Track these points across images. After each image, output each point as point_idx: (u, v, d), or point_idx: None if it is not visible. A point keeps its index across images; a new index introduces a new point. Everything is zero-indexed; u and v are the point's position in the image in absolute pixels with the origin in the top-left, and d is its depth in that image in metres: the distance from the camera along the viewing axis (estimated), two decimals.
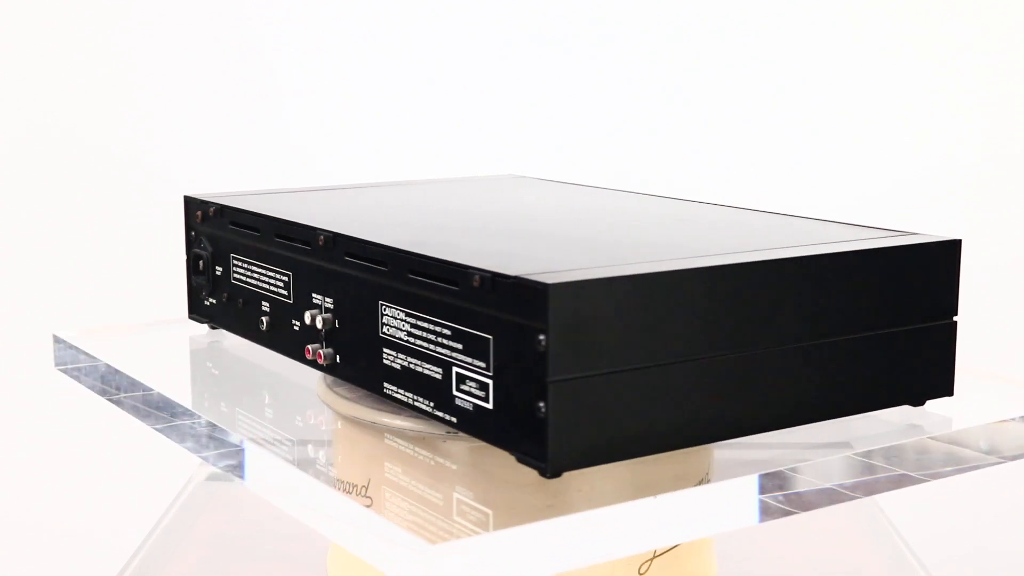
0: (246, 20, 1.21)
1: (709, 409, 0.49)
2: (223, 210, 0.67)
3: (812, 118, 1.20)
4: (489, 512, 0.49)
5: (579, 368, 0.45)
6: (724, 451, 0.55)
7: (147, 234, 1.22)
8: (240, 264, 0.65)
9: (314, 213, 0.63)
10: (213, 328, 0.69)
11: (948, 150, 1.20)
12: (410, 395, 0.52)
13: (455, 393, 0.49)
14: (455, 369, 0.49)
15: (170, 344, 0.75)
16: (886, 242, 0.53)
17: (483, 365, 0.47)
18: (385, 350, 0.53)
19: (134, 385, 0.65)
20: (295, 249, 0.60)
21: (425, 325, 0.50)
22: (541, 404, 0.45)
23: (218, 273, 0.67)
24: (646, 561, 0.55)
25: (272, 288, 0.62)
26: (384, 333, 0.53)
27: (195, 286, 0.70)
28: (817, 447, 0.53)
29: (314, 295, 0.58)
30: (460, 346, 0.49)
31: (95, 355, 0.69)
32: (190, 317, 0.71)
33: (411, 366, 0.52)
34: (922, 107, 1.20)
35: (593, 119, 1.21)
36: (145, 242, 1.22)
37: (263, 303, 0.63)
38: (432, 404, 0.51)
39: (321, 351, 0.57)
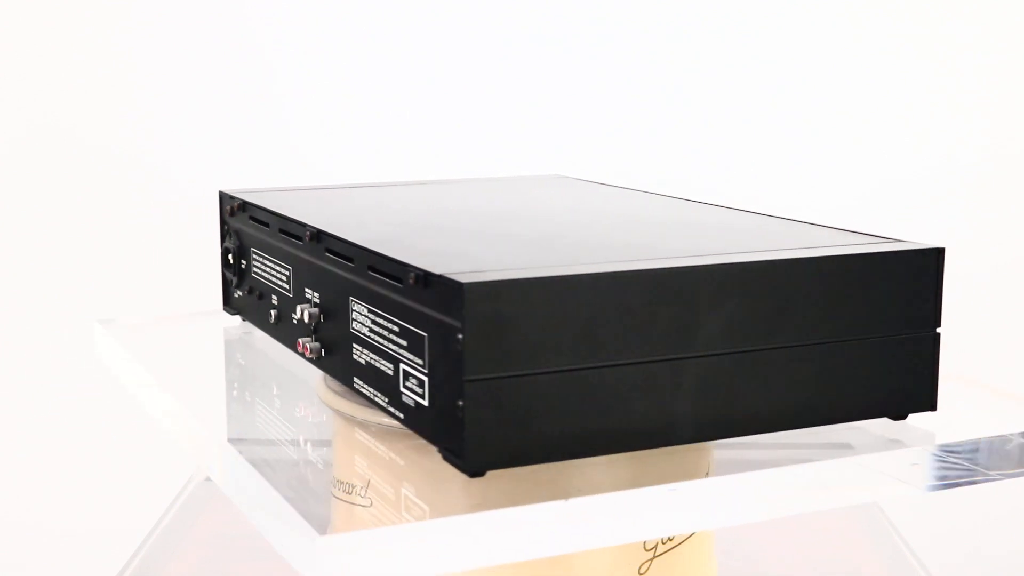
0: (246, 20, 1.21)
1: (643, 413, 0.47)
2: (244, 205, 0.67)
3: (812, 118, 1.20)
4: (426, 508, 0.49)
5: (499, 368, 0.45)
6: (724, 452, 0.55)
7: (147, 234, 1.22)
8: (256, 258, 0.66)
9: (315, 210, 0.63)
10: (244, 320, 0.70)
11: (948, 150, 1.20)
12: (372, 390, 0.52)
13: (401, 389, 0.49)
14: (401, 366, 0.49)
15: (201, 336, 0.76)
16: (857, 248, 0.52)
17: (420, 362, 0.47)
18: (354, 345, 0.53)
19: (146, 379, 0.65)
20: (292, 244, 0.61)
21: (381, 322, 0.51)
22: (460, 402, 0.44)
23: (243, 267, 0.68)
24: (646, 561, 0.55)
25: (278, 282, 0.63)
26: (353, 329, 0.53)
27: (227, 279, 0.71)
28: (817, 447, 0.53)
29: (306, 290, 0.59)
30: (405, 343, 0.49)
31: (131, 346, 0.70)
32: (224, 309, 0.72)
33: (371, 362, 0.52)
34: (922, 107, 1.20)
35: (593, 119, 1.21)
36: (144, 242, 1.22)
37: (273, 297, 0.64)
38: (386, 400, 0.51)
39: (308, 345, 0.57)
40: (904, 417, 0.53)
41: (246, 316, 0.69)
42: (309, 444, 0.58)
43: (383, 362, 0.50)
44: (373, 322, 0.51)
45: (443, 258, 0.49)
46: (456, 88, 1.21)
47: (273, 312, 0.64)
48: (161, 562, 0.80)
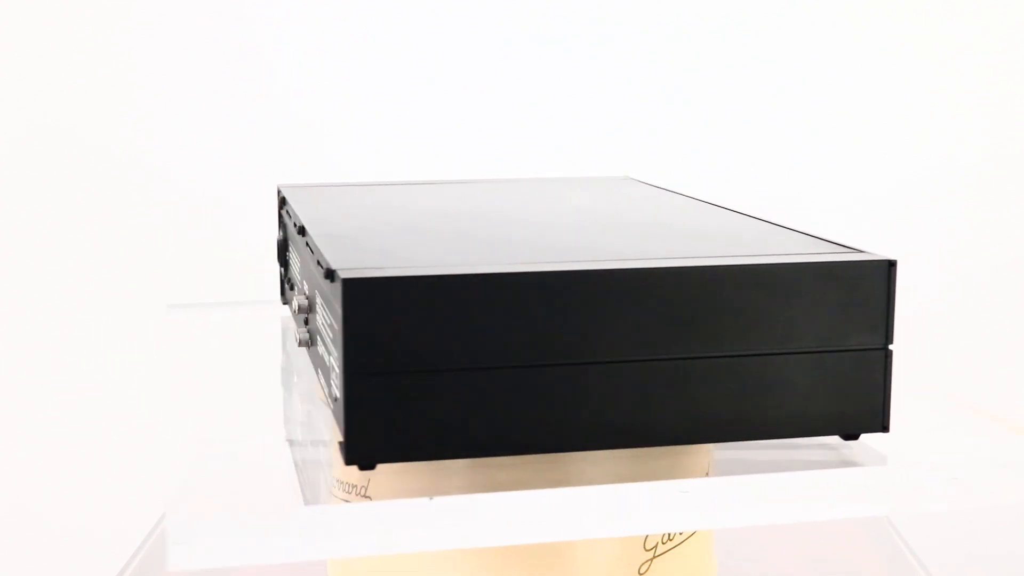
0: (247, 21, 1.21)
1: (540, 417, 0.47)
2: (284, 200, 0.69)
3: (812, 118, 1.20)
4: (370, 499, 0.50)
5: (382, 364, 0.45)
6: (724, 452, 0.55)
7: (147, 234, 1.22)
8: (290, 251, 0.67)
9: (324, 205, 0.64)
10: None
11: (948, 150, 1.20)
12: (323, 382, 0.52)
13: (331, 381, 0.49)
14: (331, 358, 0.49)
15: (254, 326, 0.76)
16: (799, 258, 0.49)
17: (336, 356, 0.47)
18: (318, 337, 0.54)
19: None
20: (295, 237, 0.62)
21: (326, 314, 0.51)
22: (345, 396, 0.45)
23: (287, 259, 0.69)
24: (646, 561, 0.55)
25: (296, 274, 0.64)
26: (318, 322, 0.54)
27: (280, 271, 0.72)
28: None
29: (303, 281, 0.60)
30: (331, 336, 0.49)
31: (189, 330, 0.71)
32: (281, 300, 0.73)
33: (321, 354, 0.52)
34: (922, 107, 1.20)
35: (592, 119, 1.21)
36: (145, 243, 1.22)
37: (294, 289, 0.65)
38: (328, 392, 0.51)
39: (299, 335, 0.58)
40: (856, 437, 0.51)
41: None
42: (309, 443, 0.58)
43: (327, 355, 0.51)
44: (323, 315, 0.52)
45: (357, 255, 0.49)
46: (457, 88, 1.21)
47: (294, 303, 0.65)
48: (161, 562, 0.80)
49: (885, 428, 0.50)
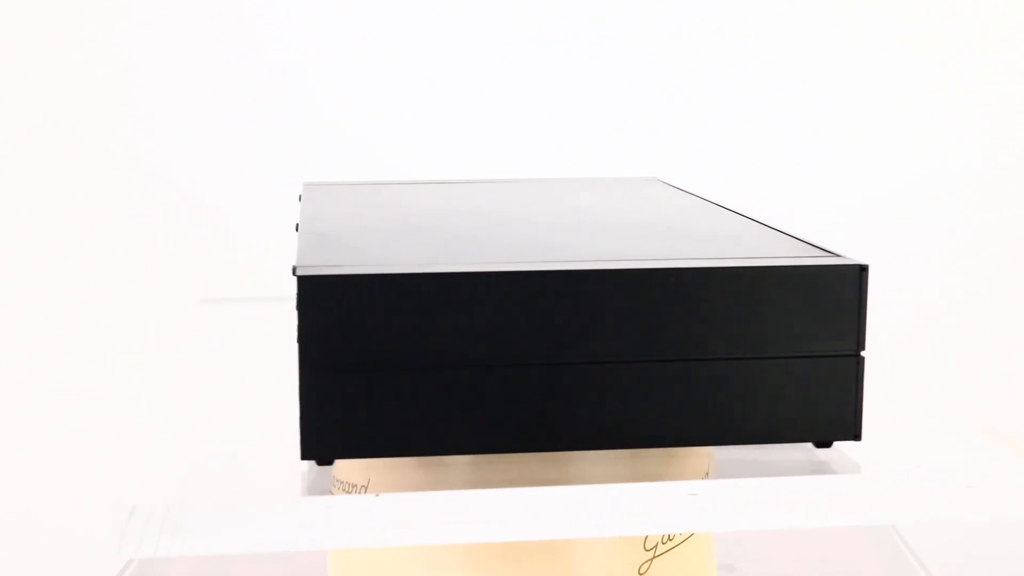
0: (248, 22, 1.21)
1: (498, 417, 0.47)
2: (299, 198, 0.69)
3: (812, 118, 1.20)
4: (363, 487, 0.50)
5: (333, 360, 0.45)
6: (725, 453, 0.55)
7: (147, 236, 1.22)
8: None
9: (331, 203, 0.64)
10: None
11: (948, 150, 1.20)
12: None
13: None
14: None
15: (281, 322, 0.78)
16: (766, 261, 0.48)
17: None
18: None
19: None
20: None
21: None
22: (300, 391, 0.46)
23: None
24: (646, 561, 0.55)
25: None
26: None
27: None
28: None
29: None
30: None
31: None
32: None
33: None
34: (922, 107, 1.20)
35: (591, 119, 1.21)
36: (145, 244, 1.22)
37: None
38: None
39: None
40: (828, 445, 0.49)
41: None
42: None
43: None
44: None
45: (326, 252, 0.49)
46: (457, 88, 1.21)
47: None
48: (161, 562, 0.80)
49: (857, 436, 0.49)
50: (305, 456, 0.46)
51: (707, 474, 0.55)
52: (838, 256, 0.49)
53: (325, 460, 0.46)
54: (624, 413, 0.47)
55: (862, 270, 0.48)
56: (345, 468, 0.55)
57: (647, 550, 0.55)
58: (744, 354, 0.47)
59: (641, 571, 0.55)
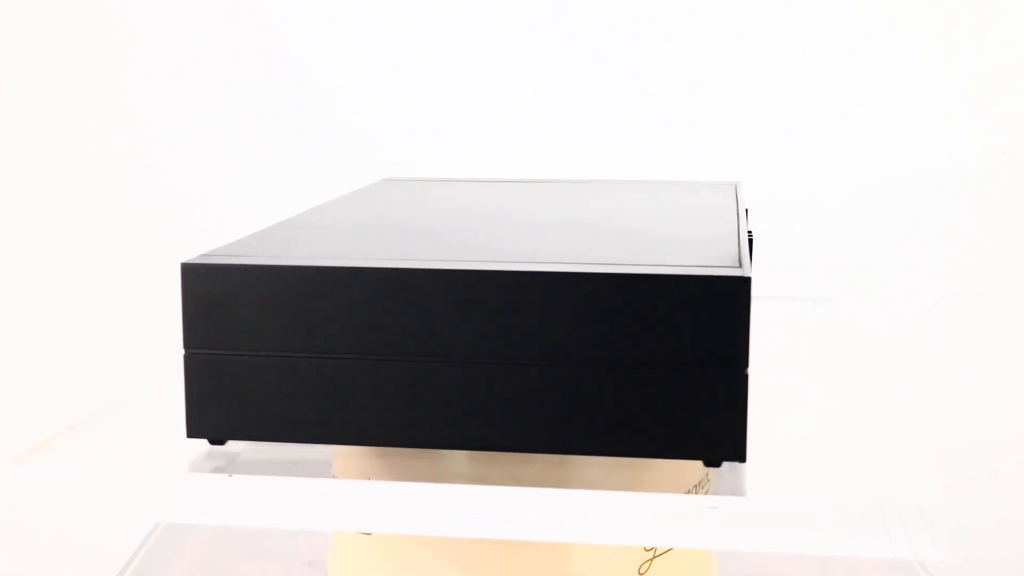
0: (249, 23, 1.21)
1: (370, 409, 0.48)
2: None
3: (812, 118, 1.20)
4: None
5: (212, 345, 0.48)
6: None
7: (149, 237, 1.22)
8: None
9: (367, 199, 0.66)
10: None
11: (948, 150, 1.20)
12: None
13: None
14: None
15: None
16: (641, 269, 0.47)
17: None
18: None
19: None
20: None
21: None
22: (184, 374, 0.49)
23: None
24: (646, 561, 0.55)
25: None
26: None
27: None
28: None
29: None
30: None
31: None
32: None
33: None
34: (922, 107, 1.20)
35: (592, 119, 1.21)
36: (146, 244, 1.22)
37: None
38: None
39: None
40: (717, 464, 0.47)
41: None
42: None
43: None
44: None
45: (242, 245, 0.52)
46: (458, 87, 1.21)
47: None
48: (161, 562, 0.80)
49: (740, 457, 0.46)
50: (191, 434, 0.49)
51: (707, 474, 0.55)
52: (722, 267, 0.47)
53: (215, 440, 0.50)
54: (493, 415, 0.47)
55: (744, 282, 0.45)
56: (343, 467, 0.55)
57: (647, 550, 0.55)
58: (621, 362, 0.46)
59: (641, 571, 0.55)
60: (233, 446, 0.53)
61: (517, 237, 0.54)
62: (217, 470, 0.51)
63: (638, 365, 0.46)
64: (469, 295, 0.46)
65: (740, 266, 0.47)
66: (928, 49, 1.19)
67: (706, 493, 0.55)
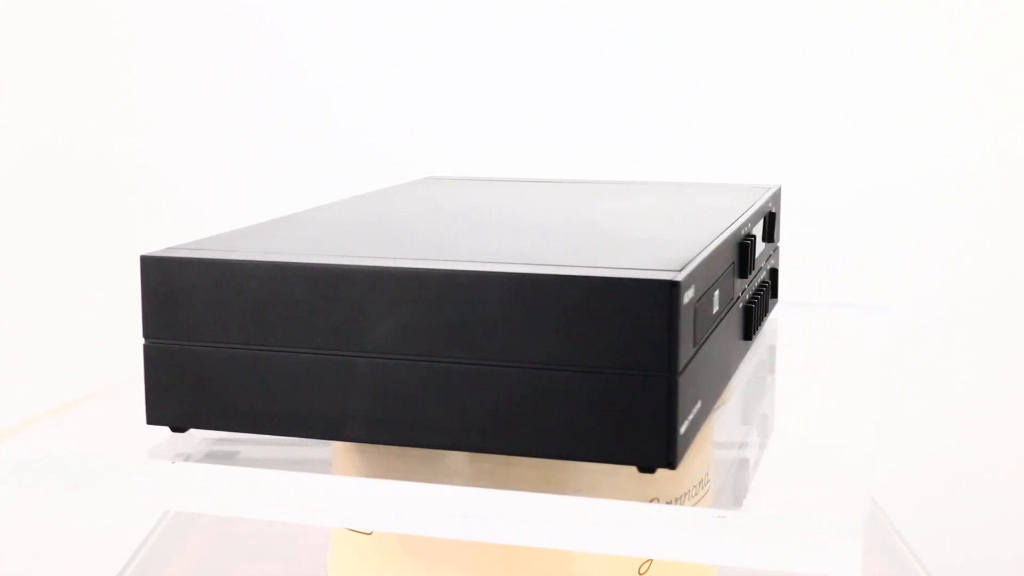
0: (249, 23, 1.21)
1: (311, 403, 0.48)
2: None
3: (812, 118, 1.20)
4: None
5: (168, 336, 0.49)
6: (724, 452, 0.55)
7: (149, 236, 1.22)
8: None
9: (397, 196, 0.67)
10: None
11: (948, 150, 1.20)
12: None
13: None
14: None
15: None
16: (568, 271, 0.46)
17: None
18: None
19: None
20: None
21: None
22: (143, 361, 0.50)
23: None
24: (646, 561, 0.55)
25: None
26: None
27: None
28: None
29: None
30: None
31: None
32: None
33: None
34: (922, 107, 1.20)
35: (591, 119, 1.21)
36: (146, 244, 1.22)
37: None
38: None
39: None
40: (651, 470, 0.46)
41: None
42: (317, 443, 0.58)
43: None
44: None
45: (213, 240, 0.53)
46: (458, 88, 1.21)
47: None
48: (161, 562, 0.80)
49: (670, 464, 0.45)
50: (150, 421, 0.50)
51: (706, 473, 0.55)
52: (650, 270, 0.46)
53: (178, 428, 0.50)
54: (427, 412, 0.47)
55: (672, 286, 0.44)
56: (342, 466, 0.55)
57: None
58: (551, 365, 0.46)
59: (641, 571, 0.55)
60: (233, 445, 0.53)
61: (482, 237, 0.55)
62: (178, 457, 0.52)
63: (569, 368, 0.46)
64: (399, 293, 0.47)
65: (679, 271, 0.46)
66: (928, 49, 1.19)
67: (706, 493, 0.55)
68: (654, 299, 0.44)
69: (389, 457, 0.53)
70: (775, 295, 0.70)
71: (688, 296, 0.46)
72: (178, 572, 0.80)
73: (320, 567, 0.63)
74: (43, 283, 1.24)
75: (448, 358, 0.47)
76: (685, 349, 0.45)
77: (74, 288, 1.22)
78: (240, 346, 0.49)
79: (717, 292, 0.51)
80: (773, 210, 0.68)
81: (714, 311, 0.51)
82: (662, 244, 0.51)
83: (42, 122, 1.22)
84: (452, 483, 0.51)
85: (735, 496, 0.51)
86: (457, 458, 0.52)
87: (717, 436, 0.56)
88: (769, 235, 0.66)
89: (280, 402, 0.49)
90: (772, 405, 0.62)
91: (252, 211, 1.20)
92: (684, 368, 0.45)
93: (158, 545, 0.83)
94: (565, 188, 0.72)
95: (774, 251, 0.70)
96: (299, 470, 0.49)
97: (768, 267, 0.67)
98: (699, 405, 0.48)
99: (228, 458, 0.53)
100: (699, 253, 0.49)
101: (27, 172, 1.23)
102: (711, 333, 0.50)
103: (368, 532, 0.56)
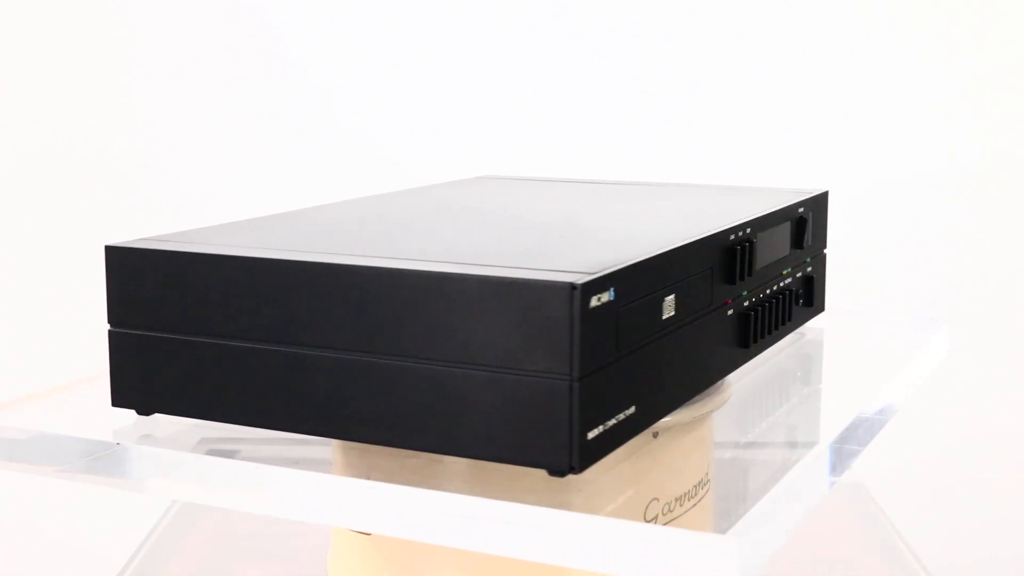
0: (249, 23, 1.21)
1: (254, 393, 0.50)
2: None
3: (812, 118, 1.20)
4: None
5: (130, 324, 0.52)
6: (724, 452, 0.55)
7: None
8: None
9: (435, 193, 0.68)
10: None
11: (948, 150, 1.20)
12: None
13: None
14: None
15: None
16: (470, 270, 0.46)
17: None
18: None
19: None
20: None
21: None
22: (108, 346, 0.52)
23: None
24: None
25: None
26: None
27: None
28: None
29: None
30: None
31: None
32: None
33: None
34: (922, 107, 1.20)
35: (591, 119, 1.21)
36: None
37: None
38: None
39: None
40: (561, 475, 0.45)
41: None
42: (318, 442, 0.58)
43: None
44: None
45: (178, 234, 0.54)
46: (457, 87, 1.21)
47: None
48: (161, 562, 0.80)
49: (573, 469, 0.45)
50: (115, 404, 0.52)
51: (706, 473, 0.55)
52: (554, 272, 0.45)
53: (142, 411, 0.52)
54: (352, 406, 0.48)
55: (572, 289, 0.44)
56: (342, 466, 0.55)
57: None
58: (456, 362, 0.46)
59: None
60: (233, 444, 0.53)
61: (444, 235, 0.55)
62: (142, 440, 0.53)
63: (482, 368, 0.46)
64: (327, 288, 0.48)
65: (591, 273, 0.45)
66: (928, 49, 1.19)
67: (706, 493, 0.55)
68: (555, 302, 0.44)
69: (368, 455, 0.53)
70: (810, 303, 0.67)
71: (600, 300, 0.45)
72: (178, 572, 0.79)
73: (320, 567, 0.63)
74: (43, 283, 1.24)
75: (373, 353, 0.48)
76: (597, 354, 0.45)
77: (74, 288, 1.22)
78: (190, 336, 0.51)
79: (672, 296, 0.50)
80: (805, 216, 0.65)
81: (664, 316, 0.50)
82: (601, 246, 0.51)
83: (42, 122, 1.22)
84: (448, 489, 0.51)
85: (735, 496, 0.51)
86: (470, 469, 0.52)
87: (717, 436, 0.56)
88: (798, 241, 0.64)
89: (234, 392, 0.50)
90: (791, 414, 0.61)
91: (252, 211, 1.20)
92: (594, 373, 0.45)
93: (158, 545, 0.83)
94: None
95: (811, 259, 0.67)
96: (299, 469, 0.49)
97: (796, 274, 0.65)
98: (632, 410, 0.47)
99: (228, 457, 0.53)
100: (635, 257, 0.48)
101: (27, 172, 1.23)
102: (659, 338, 0.49)
103: (368, 532, 0.56)
